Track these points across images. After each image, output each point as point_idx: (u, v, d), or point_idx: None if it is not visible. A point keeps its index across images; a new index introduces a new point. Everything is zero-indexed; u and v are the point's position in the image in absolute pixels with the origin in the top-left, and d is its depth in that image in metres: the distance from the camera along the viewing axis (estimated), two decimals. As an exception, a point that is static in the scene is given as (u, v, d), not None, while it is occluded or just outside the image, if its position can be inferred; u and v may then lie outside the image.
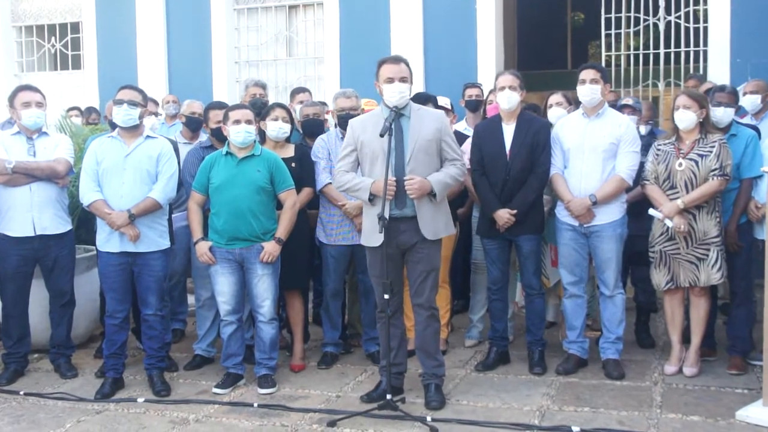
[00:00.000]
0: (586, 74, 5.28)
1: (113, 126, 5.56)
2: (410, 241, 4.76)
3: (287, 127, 5.65)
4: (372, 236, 4.74)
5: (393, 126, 4.65)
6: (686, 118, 5.11)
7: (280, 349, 5.67)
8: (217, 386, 5.27)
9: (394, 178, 4.63)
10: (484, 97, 6.98)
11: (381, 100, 4.86)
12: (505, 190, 5.33)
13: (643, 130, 5.88)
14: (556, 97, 5.96)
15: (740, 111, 6.13)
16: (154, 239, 5.29)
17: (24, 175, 5.42)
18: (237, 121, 5.17)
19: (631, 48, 9.18)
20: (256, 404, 4.96)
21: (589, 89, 5.26)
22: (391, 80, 4.72)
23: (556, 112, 5.83)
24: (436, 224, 4.81)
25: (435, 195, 4.71)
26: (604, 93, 5.29)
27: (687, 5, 8.64)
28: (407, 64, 4.81)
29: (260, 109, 5.85)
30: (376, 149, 4.70)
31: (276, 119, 5.58)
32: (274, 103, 5.88)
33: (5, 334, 5.67)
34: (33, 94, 5.56)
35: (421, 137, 4.73)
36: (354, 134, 4.85)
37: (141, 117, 5.30)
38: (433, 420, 4.56)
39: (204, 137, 6.21)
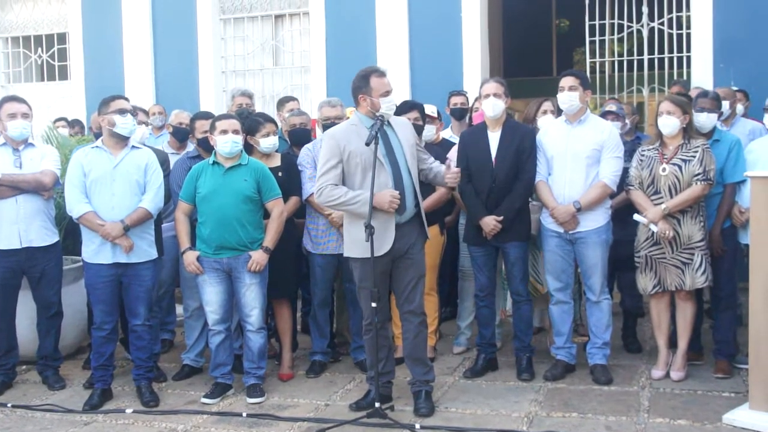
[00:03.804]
0: (565, 81, 5.32)
1: (98, 138, 5.55)
2: (404, 247, 4.78)
3: (277, 139, 5.69)
4: (363, 247, 4.60)
5: (379, 134, 4.66)
6: (670, 123, 5.15)
7: (269, 358, 5.68)
8: (205, 396, 5.27)
9: (397, 192, 4.66)
10: (470, 105, 7.00)
11: (356, 109, 4.89)
12: (491, 197, 5.35)
13: (628, 125, 5.92)
14: (548, 105, 5.97)
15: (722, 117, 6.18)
16: (145, 249, 5.29)
17: (10, 188, 5.40)
18: (224, 131, 5.17)
19: (616, 54, 9.24)
20: (244, 414, 4.96)
21: (567, 96, 5.29)
22: (387, 93, 4.76)
23: (548, 119, 5.84)
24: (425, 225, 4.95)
25: None
26: (583, 99, 5.32)
27: (670, 12, 8.70)
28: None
29: (246, 118, 5.85)
30: (368, 159, 4.65)
31: (267, 135, 5.59)
32: (260, 117, 5.81)
33: (-7, 347, 5.65)
34: (19, 105, 5.54)
35: (407, 143, 4.81)
36: (339, 145, 4.73)
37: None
38: (422, 427, 4.58)
39: (191, 147, 6.22)
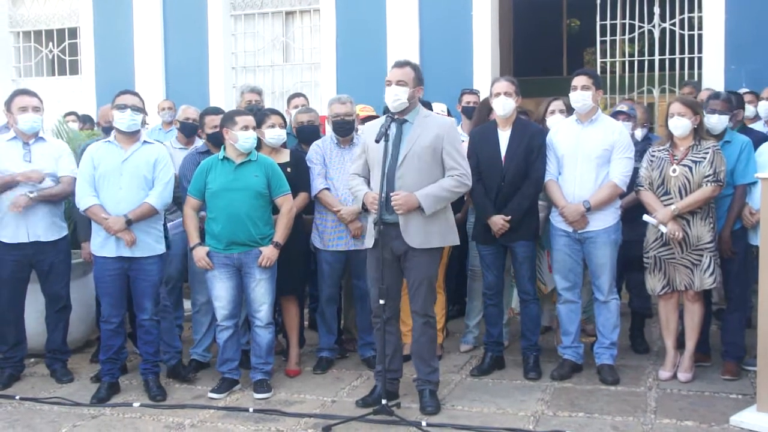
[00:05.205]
0: (578, 81, 5.30)
1: (107, 131, 5.55)
2: (402, 247, 4.77)
3: (283, 133, 5.69)
4: (368, 238, 4.85)
5: (389, 132, 4.67)
6: (681, 125, 5.14)
7: (276, 354, 5.68)
8: (212, 391, 5.28)
9: (383, 194, 4.65)
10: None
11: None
12: (500, 196, 5.35)
13: (639, 134, 5.90)
14: (557, 104, 5.95)
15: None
16: (150, 244, 5.29)
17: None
18: (246, 127, 5.18)
19: (627, 55, 9.23)
20: (251, 409, 4.96)
21: (579, 95, 5.27)
22: (389, 83, 4.76)
23: (557, 119, 5.82)
24: (427, 233, 4.74)
25: (423, 209, 4.67)
26: (595, 99, 5.31)
27: (682, 12, 8.69)
28: (414, 69, 4.80)
29: (255, 115, 5.86)
30: (376, 155, 4.75)
31: (273, 126, 5.60)
32: (267, 110, 5.84)
33: (1, 339, 5.65)
34: (30, 98, 5.55)
35: (417, 144, 4.73)
36: (364, 138, 5.01)
37: (143, 123, 5.33)
38: (428, 425, 4.57)
39: (200, 142, 6.22)
